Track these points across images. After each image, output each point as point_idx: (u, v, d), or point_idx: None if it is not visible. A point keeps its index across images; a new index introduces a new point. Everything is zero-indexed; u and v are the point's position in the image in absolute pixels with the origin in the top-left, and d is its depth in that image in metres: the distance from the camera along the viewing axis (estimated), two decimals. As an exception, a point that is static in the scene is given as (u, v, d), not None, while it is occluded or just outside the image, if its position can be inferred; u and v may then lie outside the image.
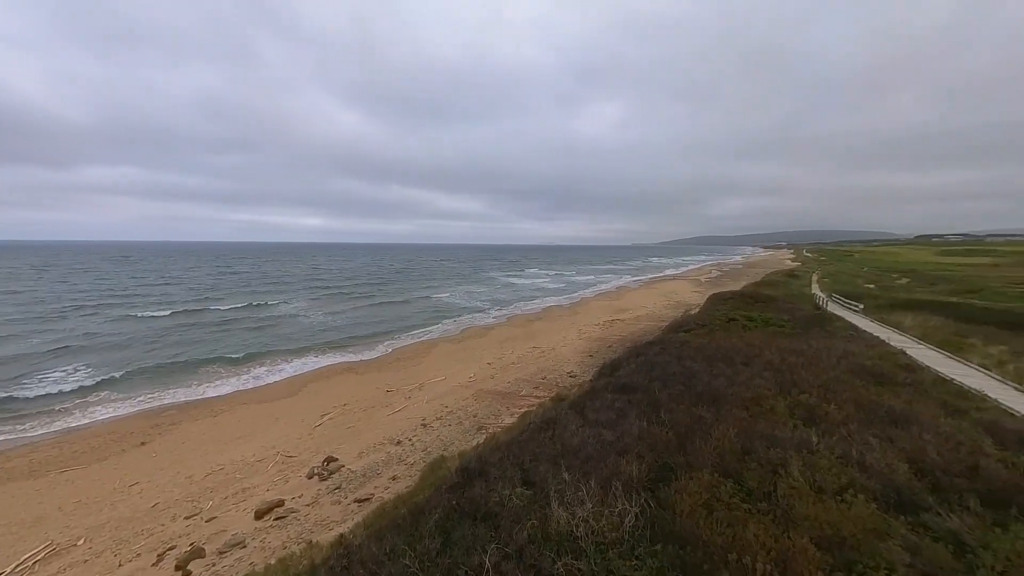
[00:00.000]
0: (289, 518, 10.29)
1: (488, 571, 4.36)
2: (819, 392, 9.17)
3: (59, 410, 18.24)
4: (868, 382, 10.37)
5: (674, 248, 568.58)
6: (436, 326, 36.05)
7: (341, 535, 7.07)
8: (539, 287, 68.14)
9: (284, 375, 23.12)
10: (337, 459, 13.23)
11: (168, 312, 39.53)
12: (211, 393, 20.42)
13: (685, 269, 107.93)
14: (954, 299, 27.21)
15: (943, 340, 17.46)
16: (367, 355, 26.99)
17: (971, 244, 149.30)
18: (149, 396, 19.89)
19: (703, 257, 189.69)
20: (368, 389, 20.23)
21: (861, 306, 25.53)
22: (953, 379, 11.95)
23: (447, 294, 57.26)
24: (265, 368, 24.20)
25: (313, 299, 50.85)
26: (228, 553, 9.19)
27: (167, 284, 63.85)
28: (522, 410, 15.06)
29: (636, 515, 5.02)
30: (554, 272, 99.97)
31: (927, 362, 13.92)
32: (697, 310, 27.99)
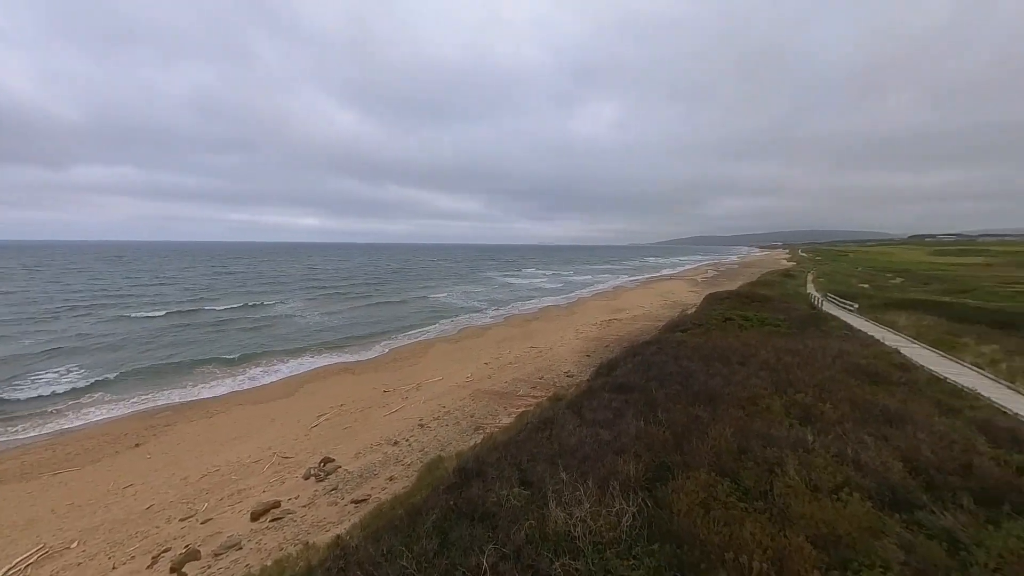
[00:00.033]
0: (285, 519, 10.23)
1: (486, 572, 4.36)
2: (815, 391, 9.23)
3: (52, 412, 18.05)
4: (863, 381, 10.45)
5: (671, 248, 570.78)
6: (433, 326, 35.98)
7: (338, 536, 7.04)
8: (536, 287, 68.16)
9: (280, 376, 22.99)
10: (334, 460, 13.17)
11: (163, 312, 39.23)
12: (206, 394, 20.28)
13: (681, 269, 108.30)
14: (947, 299, 27.48)
15: (937, 339, 17.62)
16: (364, 355, 26.89)
17: (964, 244, 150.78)
18: (143, 397, 19.72)
19: (699, 257, 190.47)
20: (365, 389, 20.16)
21: (856, 305, 25.72)
22: (947, 378, 12.05)
23: (444, 294, 57.16)
24: (261, 369, 24.06)
25: (309, 299, 50.62)
26: (224, 555, 9.13)
27: (162, 284, 63.36)
28: (519, 410, 15.06)
29: (633, 515, 5.03)
30: (551, 272, 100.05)
31: (921, 361, 14.04)
32: (694, 310, 28.10)
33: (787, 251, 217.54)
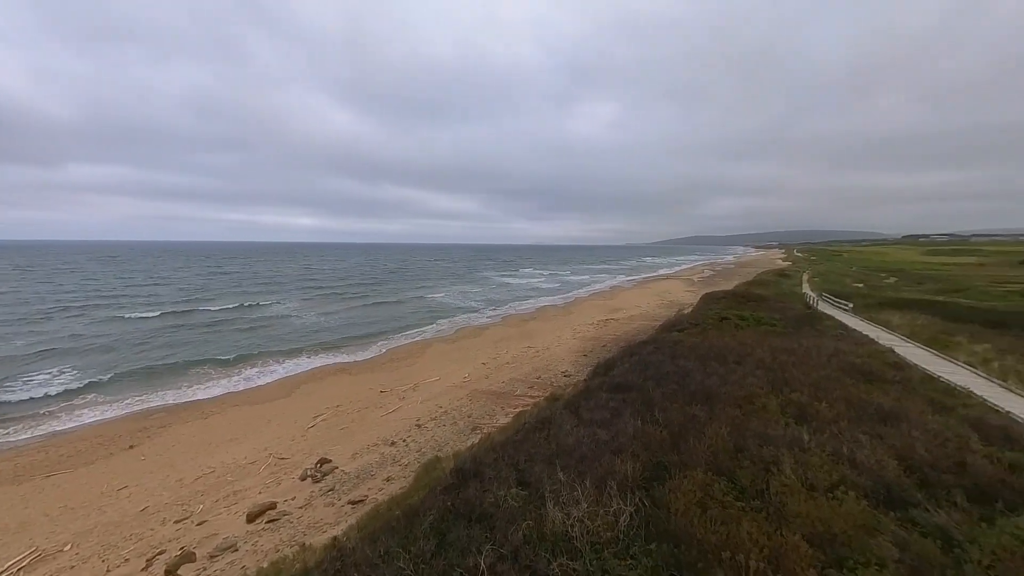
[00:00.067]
0: (282, 521, 10.17)
1: (483, 572, 4.35)
2: (810, 390, 9.29)
3: (44, 413, 17.86)
4: (858, 380, 10.53)
5: (667, 248, 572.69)
6: (430, 326, 35.91)
7: (335, 537, 7.00)
8: (533, 287, 68.19)
9: (276, 376, 22.86)
10: (330, 460, 13.12)
11: (157, 313, 38.90)
12: (201, 395, 20.14)
13: (678, 269, 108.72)
14: (941, 298, 27.75)
15: (930, 338, 17.78)
16: (361, 356, 26.80)
17: (957, 244, 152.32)
18: (137, 399, 19.55)
19: (696, 257, 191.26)
20: (362, 390, 20.09)
21: (851, 305, 25.91)
22: (940, 377, 12.17)
23: (441, 294, 57.07)
24: (257, 369, 23.92)
25: (306, 299, 50.37)
26: (219, 557, 9.07)
27: (156, 284, 62.83)
28: (517, 410, 15.06)
29: (631, 514, 5.03)
30: (548, 272, 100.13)
31: (915, 360, 14.16)
32: (690, 309, 28.21)
33: (783, 251, 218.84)
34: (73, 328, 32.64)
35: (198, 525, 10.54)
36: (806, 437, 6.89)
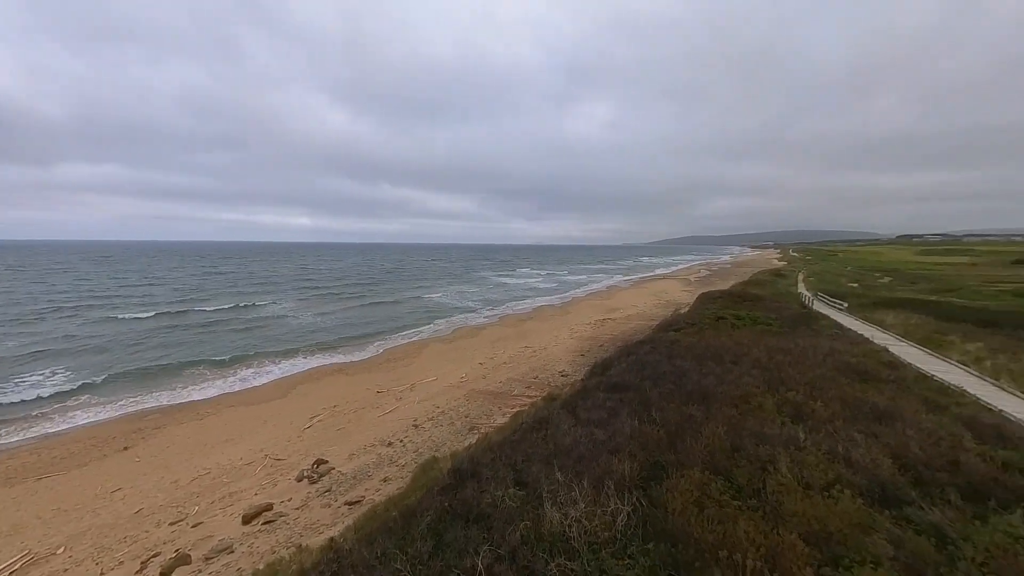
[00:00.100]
0: (278, 522, 10.12)
1: (481, 573, 4.34)
2: (806, 390, 9.34)
3: (37, 415, 17.68)
4: (853, 379, 10.60)
5: (664, 248, 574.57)
6: (427, 326, 35.85)
7: (331, 539, 6.97)
8: (531, 287, 68.22)
9: (272, 377, 22.74)
10: (327, 461, 13.06)
11: (151, 314, 38.59)
12: (196, 396, 20.00)
13: (675, 269, 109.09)
14: (934, 297, 28.00)
15: (924, 337, 17.93)
16: (357, 356, 26.71)
17: (950, 244, 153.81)
18: (132, 400, 19.39)
19: (692, 257, 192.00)
20: (358, 390, 20.02)
21: (845, 304, 26.10)
22: (934, 376, 12.27)
23: (438, 294, 56.97)
24: (252, 370, 23.78)
25: (302, 300, 50.15)
26: (215, 559, 9.01)
27: (150, 285, 62.34)
28: (514, 410, 15.06)
29: (628, 514, 5.04)
30: (545, 272, 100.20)
31: (909, 359, 14.27)
32: (687, 309, 28.31)
33: (778, 251, 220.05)
34: (66, 329, 32.34)
35: (193, 527, 10.46)
36: (802, 436, 6.92)
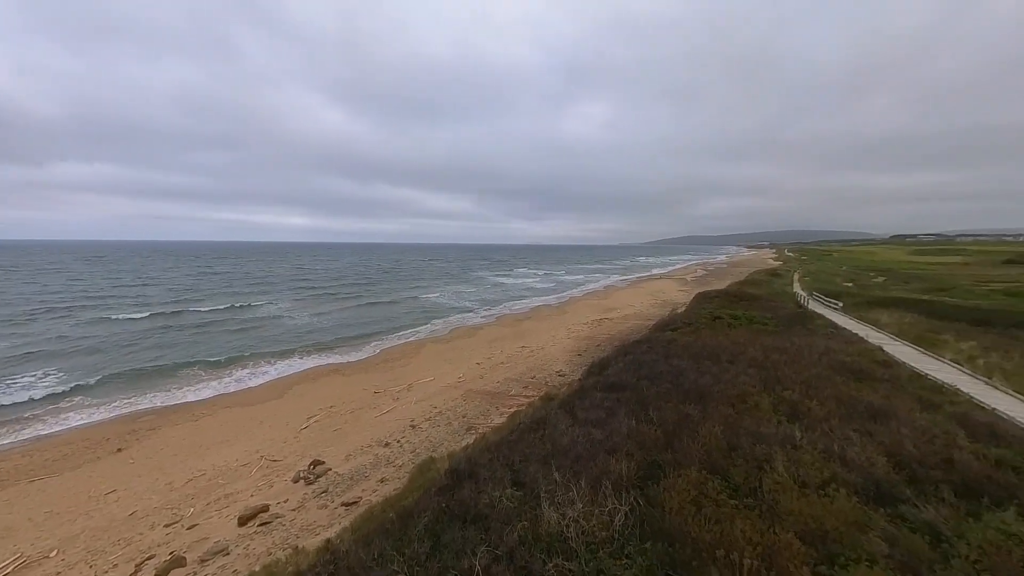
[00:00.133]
0: (274, 523, 10.07)
1: (478, 574, 4.33)
2: (802, 388, 9.39)
3: (29, 417, 17.48)
4: (848, 378, 10.67)
5: (661, 248, 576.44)
6: (424, 326, 35.77)
7: (328, 540, 6.94)
8: (528, 287, 68.24)
9: (268, 378, 22.62)
10: (324, 462, 13.00)
11: (145, 314, 38.27)
12: (191, 397, 19.85)
13: (671, 268, 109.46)
14: (927, 297, 28.24)
15: (918, 336, 18.07)
16: (354, 356, 26.61)
17: (943, 244, 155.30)
18: (125, 401, 19.22)
19: (689, 256, 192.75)
20: (355, 391, 19.95)
21: (840, 304, 26.27)
22: (928, 374, 12.36)
23: (436, 294, 56.87)
24: (248, 371, 23.64)
25: (298, 300, 49.91)
26: (210, 561, 8.95)
27: (144, 285, 61.82)
28: (511, 410, 15.05)
29: (626, 514, 5.05)
30: (543, 272, 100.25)
31: (903, 358, 14.38)
32: (683, 309, 28.40)
33: (774, 251, 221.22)
34: (59, 330, 32.01)
35: (188, 529, 10.39)
36: (798, 435, 6.96)
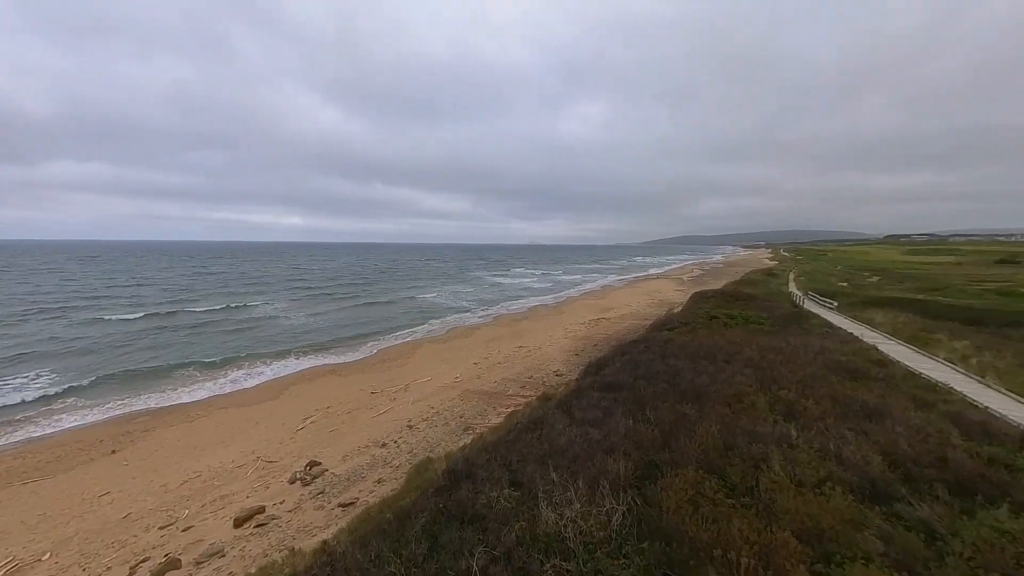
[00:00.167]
0: (270, 525, 10.01)
1: (476, 575, 4.32)
2: (797, 388, 9.44)
3: (21, 419, 17.28)
4: (843, 377, 10.73)
5: (657, 248, 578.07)
6: (422, 326, 35.69)
7: (324, 542, 6.91)
8: (525, 287, 68.24)
9: (264, 378, 22.48)
10: (320, 463, 12.94)
11: (139, 315, 37.94)
12: (186, 398, 19.70)
13: (668, 268, 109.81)
14: (921, 296, 28.48)
15: (912, 336, 18.22)
16: (351, 357, 26.51)
17: (936, 244, 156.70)
18: (119, 402, 19.04)
19: (685, 256, 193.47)
20: (352, 391, 19.87)
21: (835, 304, 26.45)
22: (921, 373, 12.47)
23: (433, 294, 56.75)
24: (244, 371, 23.49)
25: (294, 300, 49.66)
26: (206, 563, 8.88)
27: (138, 285, 61.32)
28: (509, 410, 15.04)
29: (623, 513, 5.05)
30: (540, 272, 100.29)
31: (897, 357, 14.49)
32: (680, 308, 28.50)
33: (770, 251, 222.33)
34: (51, 330, 31.68)
35: (183, 531, 10.30)
36: (794, 434, 6.99)
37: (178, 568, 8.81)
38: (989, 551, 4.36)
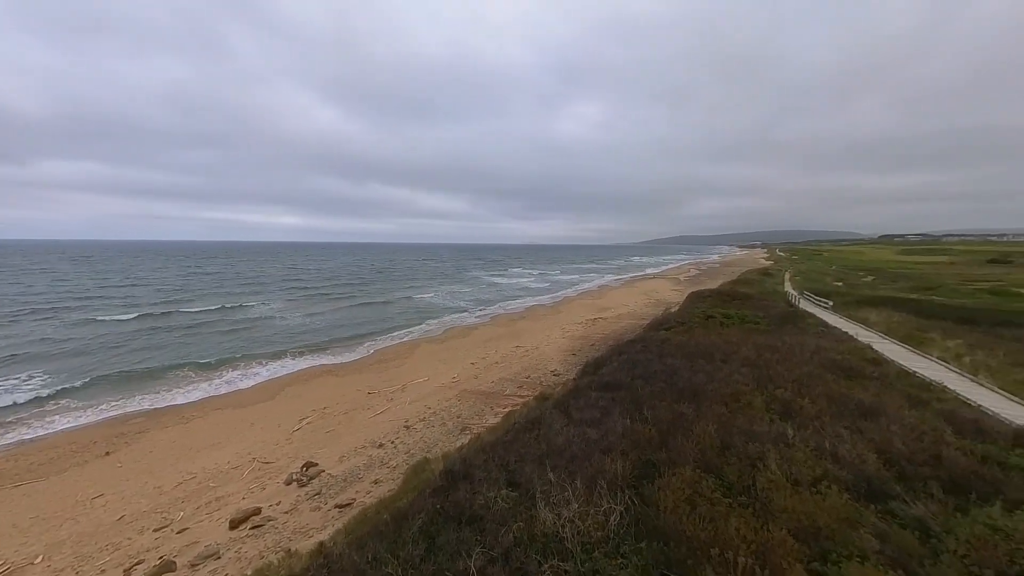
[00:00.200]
0: (266, 526, 9.95)
1: None
2: (794, 387, 9.49)
3: (12, 421, 17.08)
4: (839, 376, 10.80)
5: (654, 247, 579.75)
6: (419, 326, 35.61)
7: (321, 543, 6.87)
8: (522, 286, 68.24)
9: (260, 379, 22.35)
10: (317, 464, 12.88)
11: (133, 315, 37.62)
12: (181, 399, 19.55)
13: (665, 268, 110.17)
14: (915, 296, 28.74)
15: (906, 335, 18.38)
16: (347, 357, 26.41)
17: (929, 243, 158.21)
18: (113, 404, 18.86)
19: (682, 256, 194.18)
20: (349, 391, 19.79)
21: (830, 303, 26.63)
22: (916, 372, 12.57)
23: (430, 294, 56.64)
24: (239, 372, 23.34)
25: (290, 300, 49.42)
26: (201, 565, 8.82)
27: (132, 285, 60.79)
28: (506, 410, 15.03)
29: (621, 513, 5.06)
30: (537, 272, 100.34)
31: (892, 356, 14.61)
32: (677, 308, 28.59)
33: (766, 250, 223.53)
34: (43, 331, 31.34)
35: (178, 533, 10.22)
36: (790, 433, 7.03)
37: (173, 571, 8.74)
38: (983, 548, 4.40)
